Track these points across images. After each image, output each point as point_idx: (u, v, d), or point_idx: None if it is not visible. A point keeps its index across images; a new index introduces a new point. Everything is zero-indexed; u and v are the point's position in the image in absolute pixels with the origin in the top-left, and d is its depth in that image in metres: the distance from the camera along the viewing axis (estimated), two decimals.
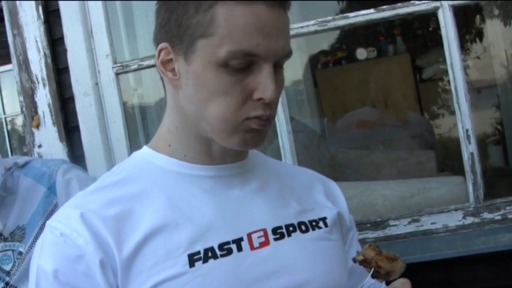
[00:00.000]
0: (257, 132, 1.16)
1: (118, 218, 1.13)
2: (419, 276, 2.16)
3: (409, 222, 2.25)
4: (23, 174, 1.78)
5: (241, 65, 1.10)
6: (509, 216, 2.21)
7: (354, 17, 2.28)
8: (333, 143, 4.23)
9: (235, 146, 1.17)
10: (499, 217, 2.21)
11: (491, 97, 6.47)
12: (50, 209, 1.74)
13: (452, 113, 2.24)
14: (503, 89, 6.33)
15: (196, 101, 1.15)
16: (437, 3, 2.21)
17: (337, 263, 1.30)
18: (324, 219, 1.32)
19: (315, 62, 5.86)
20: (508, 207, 2.21)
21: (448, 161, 4.32)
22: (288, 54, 1.16)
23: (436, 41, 2.36)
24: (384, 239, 2.24)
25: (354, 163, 3.66)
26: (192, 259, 1.11)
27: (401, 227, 2.25)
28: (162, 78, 1.23)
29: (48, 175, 1.78)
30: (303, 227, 1.27)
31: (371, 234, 2.24)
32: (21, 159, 1.84)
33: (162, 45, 1.16)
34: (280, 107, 2.29)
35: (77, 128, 2.40)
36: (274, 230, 1.22)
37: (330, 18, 2.29)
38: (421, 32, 6.38)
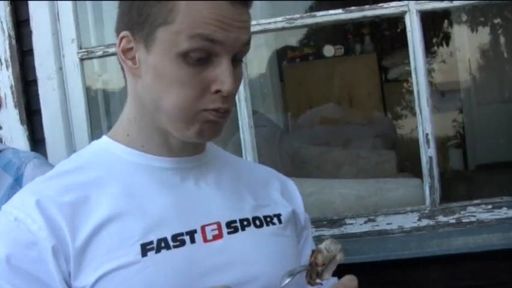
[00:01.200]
0: (214, 124, 1.17)
1: (73, 204, 1.13)
2: (373, 276, 2.20)
3: (365, 222, 2.28)
4: None
5: (200, 56, 1.11)
6: (464, 220, 2.25)
7: (321, 16, 2.29)
8: (296, 139, 4.26)
9: (192, 137, 1.18)
10: (454, 221, 2.25)
11: (455, 100, 6.58)
12: None
13: (416, 114, 2.27)
14: (466, 93, 6.44)
15: (155, 91, 1.16)
16: (404, 8, 2.23)
17: (290, 259, 1.32)
18: (278, 216, 1.33)
19: (282, 57, 5.88)
20: (462, 212, 2.25)
21: (408, 162, 4.37)
22: (246, 45, 1.17)
23: (403, 42, 2.39)
24: (339, 237, 2.26)
25: (316, 159, 3.69)
26: (145, 248, 1.12)
27: (357, 226, 2.28)
28: (122, 67, 1.23)
29: (17, 166, 1.74)
30: (258, 222, 1.28)
31: (327, 232, 2.26)
32: None
33: (124, 33, 1.17)
34: (243, 101, 2.30)
35: (38, 112, 2.37)
36: (228, 224, 1.23)
37: (298, 16, 2.30)
38: (389, 32, 6.46)
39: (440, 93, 6.63)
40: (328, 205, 2.50)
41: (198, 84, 1.13)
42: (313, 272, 1.15)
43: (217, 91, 1.13)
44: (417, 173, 2.48)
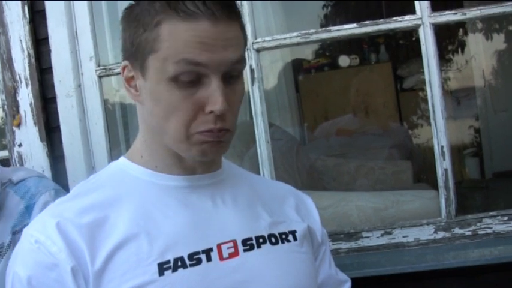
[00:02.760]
0: (214, 143, 1.19)
1: (92, 225, 1.16)
2: None
3: (382, 235, 2.28)
4: (13, 191, 1.75)
5: (190, 78, 1.14)
6: (480, 232, 2.25)
7: (336, 30, 2.31)
8: (312, 150, 4.26)
9: (196, 157, 1.21)
10: (470, 233, 2.25)
11: (471, 108, 6.56)
12: (18, 228, 1.69)
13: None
14: (482, 100, 6.42)
15: (156, 116, 1.20)
16: (418, 21, 2.24)
17: (306, 275, 1.34)
18: (293, 233, 1.35)
19: (297, 69, 5.89)
20: (478, 224, 2.25)
21: (425, 172, 4.38)
22: (237, 63, 1.19)
23: (418, 51, 2.39)
24: (356, 250, 2.27)
25: (332, 171, 3.71)
26: (162, 268, 1.15)
27: (374, 239, 2.28)
28: None
29: (32, 194, 1.74)
30: (273, 239, 1.30)
31: (344, 245, 2.27)
32: (17, 176, 1.81)
33: (124, 63, 1.22)
34: (260, 115, 2.31)
35: (57, 129, 2.40)
36: (244, 241, 1.25)
37: (313, 31, 2.32)
38: (404, 41, 6.45)
39: (456, 101, 6.60)
40: (345, 218, 2.51)
41: (191, 107, 1.16)
42: None
43: (211, 112, 1.15)
44: (433, 183, 2.47)
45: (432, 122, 2.27)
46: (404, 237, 2.28)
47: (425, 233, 2.27)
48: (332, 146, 4.49)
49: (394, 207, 2.55)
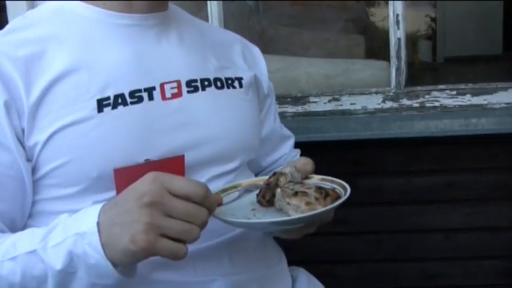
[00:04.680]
0: None
1: (28, 59, 1.09)
2: (334, 155, 2.21)
3: (329, 101, 2.25)
4: None
5: None
6: (427, 105, 2.24)
7: None
8: (266, 18, 4.18)
9: None
10: (417, 104, 2.24)
11: None
12: None
13: None
14: None
15: None
16: None
17: (249, 123, 1.31)
18: (240, 79, 1.31)
19: None
20: (426, 96, 2.24)
21: (377, 49, 4.34)
22: None
23: None
24: (302, 114, 2.25)
25: (284, 40, 3.64)
26: (101, 104, 1.09)
27: (321, 105, 2.25)
28: None
29: None
30: (219, 83, 1.26)
31: (290, 109, 2.24)
32: None
33: None
34: None
35: None
36: (189, 83, 1.20)
37: None
38: None
39: None
40: (294, 83, 2.47)
41: None
42: (267, 192, 1.10)
43: None
44: (386, 59, 2.44)
45: None
46: (351, 104, 2.26)
47: (373, 102, 2.25)
48: (286, 15, 4.39)
49: (344, 75, 2.52)
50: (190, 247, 0.95)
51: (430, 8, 6.59)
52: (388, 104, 2.25)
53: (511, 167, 2.25)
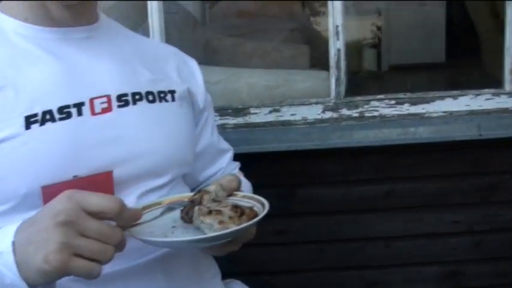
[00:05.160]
0: None
1: None
2: (274, 165, 2.23)
3: (270, 112, 2.27)
4: None
5: None
6: (366, 115, 2.27)
7: None
8: (211, 29, 4.17)
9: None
10: (357, 114, 2.27)
11: (375, 3, 6.59)
12: None
13: None
14: None
15: None
16: None
17: (183, 137, 1.30)
18: (172, 92, 1.31)
19: None
20: (366, 106, 2.27)
21: (322, 59, 4.36)
22: None
23: None
24: (243, 125, 2.25)
25: (228, 51, 3.63)
26: (29, 121, 1.08)
27: (261, 116, 2.27)
28: None
29: None
30: (151, 97, 1.25)
31: (231, 121, 2.25)
32: None
33: None
34: None
35: None
36: (119, 97, 1.19)
37: None
38: None
39: None
40: (235, 94, 2.47)
41: None
42: (191, 209, 1.10)
43: None
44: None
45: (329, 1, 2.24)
46: (292, 115, 2.28)
47: (313, 112, 2.28)
48: (232, 26, 4.39)
49: (286, 85, 2.53)
50: (120, 265, 0.94)
51: (376, 17, 6.67)
52: (328, 114, 2.27)
53: (448, 175, 2.30)
